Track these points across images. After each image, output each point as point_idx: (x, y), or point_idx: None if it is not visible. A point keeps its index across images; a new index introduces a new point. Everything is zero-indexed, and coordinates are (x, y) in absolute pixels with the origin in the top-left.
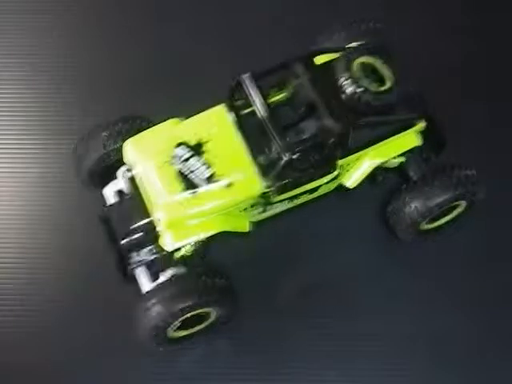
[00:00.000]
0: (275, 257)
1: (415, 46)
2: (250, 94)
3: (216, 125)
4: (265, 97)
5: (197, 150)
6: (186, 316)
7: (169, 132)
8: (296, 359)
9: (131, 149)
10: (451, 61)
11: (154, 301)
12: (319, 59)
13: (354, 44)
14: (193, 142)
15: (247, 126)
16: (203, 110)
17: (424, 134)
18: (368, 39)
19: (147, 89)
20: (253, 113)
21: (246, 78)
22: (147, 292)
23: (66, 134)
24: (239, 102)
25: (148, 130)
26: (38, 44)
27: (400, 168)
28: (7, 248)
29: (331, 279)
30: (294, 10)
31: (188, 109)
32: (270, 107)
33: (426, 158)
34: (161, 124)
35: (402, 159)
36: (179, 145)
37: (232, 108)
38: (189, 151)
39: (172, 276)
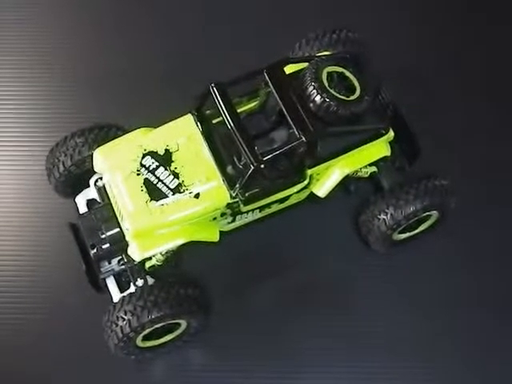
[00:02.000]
0: (249, 265)
1: (389, 56)
2: (219, 104)
3: (184, 134)
4: (233, 106)
5: (165, 159)
6: (155, 327)
7: (137, 141)
8: (269, 367)
9: (100, 157)
10: (425, 71)
11: (122, 311)
12: (289, 68)
13: (323, 53)
14: (161, 152)
15: (216, 136)
16: (176, 118)
17: (397, 143)
18: (340, 48)
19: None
20: (222, 122)
21: (214, 87)
22: (116, 302)
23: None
24: (209, 111)
25: (117, 138)
26: (37, 41)
27: (373, 178)
28: (7, 245)
29: (305, 288)
30: (275, 19)
31: (164, 117)
32: (238, 116)
33: (399, 168)
34: (130, 133)
35: (374, 169)
36: (147, 154)
37: (200, 117)
38: (156, 161)
39: (142, 286)
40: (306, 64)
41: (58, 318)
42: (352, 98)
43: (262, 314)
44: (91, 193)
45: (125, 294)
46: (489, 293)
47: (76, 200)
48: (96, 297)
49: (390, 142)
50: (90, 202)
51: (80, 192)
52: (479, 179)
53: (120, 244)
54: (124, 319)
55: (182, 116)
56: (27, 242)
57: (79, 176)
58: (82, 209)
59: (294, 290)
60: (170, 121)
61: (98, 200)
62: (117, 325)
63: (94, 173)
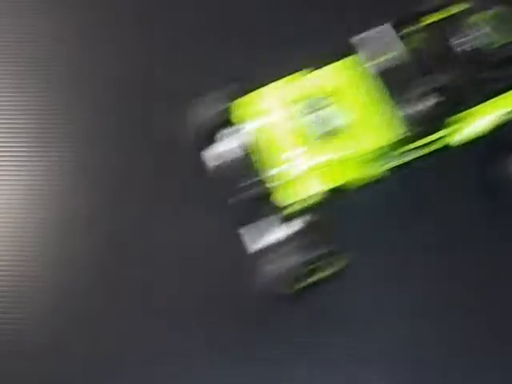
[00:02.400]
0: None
1: None
2: (389, 43)
3: (345, 75)
4: (402, 46)
5: (325, 100)
6: (308, 267)
7: (295, 85)
8: None
9: (255, 103)
10: None
11: (277, 254)
12: (442, 13)
13: None
14: (321, 94)
15: (377, 76)
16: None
17: None
18: None
19: None
20: (383, 63)
21: (385, 27)
22: (264, 246)
23: (55, 142)
24: (373, 50)
25: (269, 85)
26: (23, 50)
27: None
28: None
29: None
30: None
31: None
32: (404, 57)
33: None
34: (284, 78)
35: None
36: (307, 97)
37: (364, 57)
38: (317, 102)
39: (293, 230)
40: (460, 7)
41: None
42: (503, 42)
43: None
44: (226, 145)
45: (275, 237)
46: (492, 294)
47: (209, 153)
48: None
49: None
50: (221, 156)
51: (213, 145)
52: None
53: (267, 190)
54: (280, 261)
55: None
56: (17, 254)
57: (215, 129)
58: (217, 161)
59: None
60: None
61: (235, 150)
62: (273, 267)
63: (230, 125)
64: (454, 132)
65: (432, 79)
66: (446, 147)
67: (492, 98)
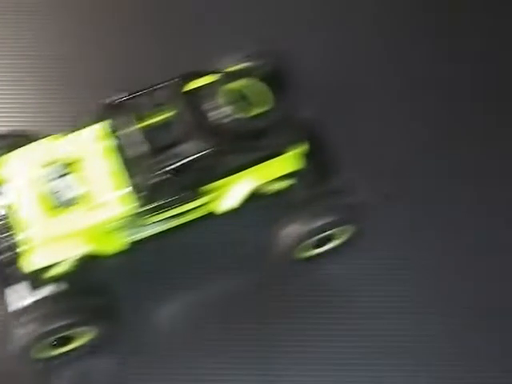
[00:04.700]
0: (158, 272)
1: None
2: (122, 116)
3: (90, 143)
4: (138, 118)
5: (70, 167)
6: (57, 336)
7: (43, 149)
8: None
9: (4, 165)
10: (343, 84)
11: (25, 319)
12: (198, 82)
13: (232, 67)
14: (65, 161)
15: (120, 146)
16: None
17: (309, 158)
18: (254, 62)
19: None
20: (127, 133)
21: (117, 99)
22: (17, 310)
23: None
24: (117, 121)
25: (24, 146)
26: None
27: (284, 192)
28: None
29: (214, 298)
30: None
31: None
32: (142, 128)
33: (312, 183)
34: (38, 141)
35: (286, 183)
36: (51, 163)
37: (108, 127)
38: (60, 169)
39: (43, 295)
40: (215, 77)
41: None
42: (253, 113)
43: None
44: None
45: (26, 302)
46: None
47: None
48: None
49: (301, 157)
50: None
51: None
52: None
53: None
54: (26, 328)
55: (90, 125)
56: None
57: None
58: None
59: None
60: (79, 129)
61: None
62: (19, 333)
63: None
64: (213, 200)
65: (175, 151)
66: (212, 214)
67: (246, 168)
